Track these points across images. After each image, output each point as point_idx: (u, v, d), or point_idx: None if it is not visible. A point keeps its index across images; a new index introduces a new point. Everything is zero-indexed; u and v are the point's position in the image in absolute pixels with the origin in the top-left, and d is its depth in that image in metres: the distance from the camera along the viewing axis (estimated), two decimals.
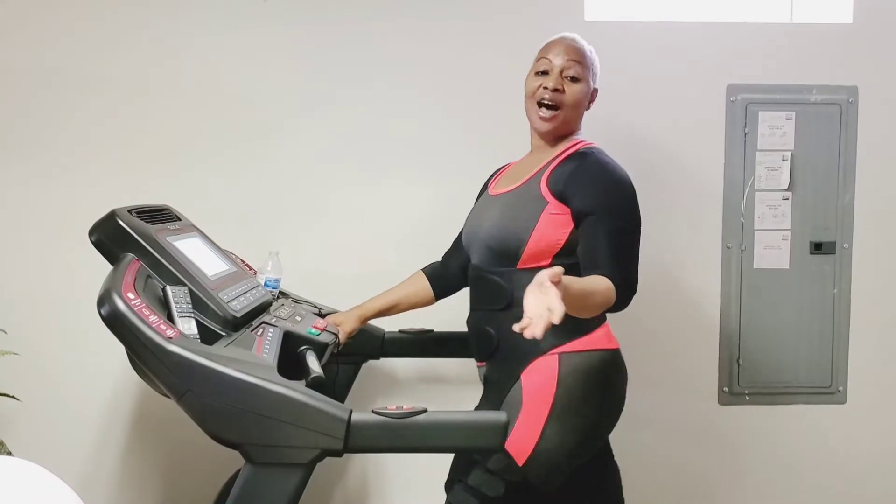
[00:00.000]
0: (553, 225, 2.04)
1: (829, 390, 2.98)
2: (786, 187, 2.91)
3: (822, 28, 2.91)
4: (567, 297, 1.63)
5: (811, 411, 2.99)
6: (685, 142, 2.90)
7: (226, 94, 2.81)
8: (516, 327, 1.61)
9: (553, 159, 2.13)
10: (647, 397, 2.93)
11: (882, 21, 2.91)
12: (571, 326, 1.87)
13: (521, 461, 1.99)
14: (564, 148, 2.16)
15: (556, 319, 1.56)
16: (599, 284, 1.90)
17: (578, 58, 2.16)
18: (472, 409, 2.28)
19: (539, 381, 2.01)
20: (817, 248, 2.94)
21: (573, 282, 1.76)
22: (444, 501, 2.16)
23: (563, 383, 2.01)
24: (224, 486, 2.47)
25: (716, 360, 2.96)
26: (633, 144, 2.87)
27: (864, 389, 2.98)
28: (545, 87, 2.14)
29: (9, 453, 2.48)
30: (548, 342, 2.01)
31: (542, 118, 2.15)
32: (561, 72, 2.15)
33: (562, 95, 2.14)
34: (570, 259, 2.03)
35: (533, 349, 2.02)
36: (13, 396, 2.58)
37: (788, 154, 2.91)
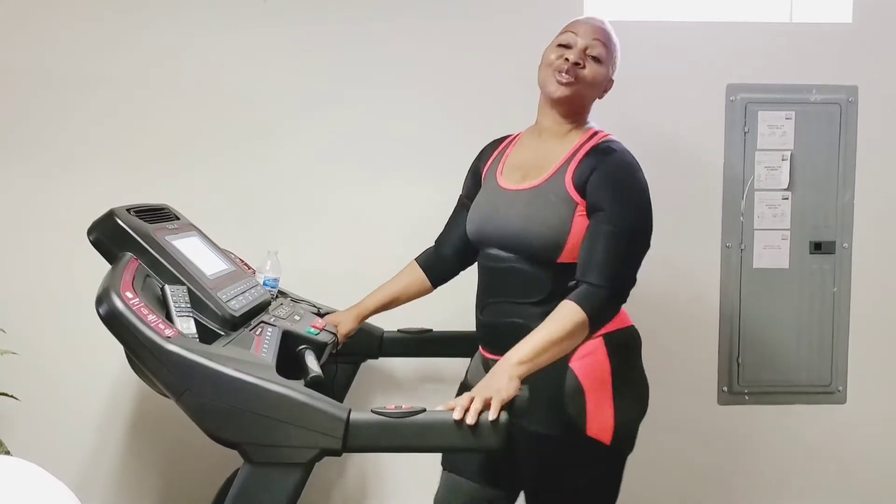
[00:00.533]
0: (585, 225, 2.01)
1: (828, 390, 2.98)
2: (785, 187, 2.91)
3: (822, 28, 2.91)
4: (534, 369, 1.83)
5: (811, 411, 2.99)
6: (685, 141, 2.90)
7: (225, 93, 2.82)
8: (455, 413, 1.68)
9: (574, 153, 2.06)
10: None
11: (882, 20, 2.91)
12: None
13: (608, 440, 2.02)
14: (583, 139, 2.09)
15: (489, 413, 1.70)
16: (558, 326, 1.89)
17: (605, 40, 2.10)
18: None
19: (593, 364, 2.02)
20: (817, 247, 2.94)
21: (534, 358, 1.83)
22: None
23: (613, 360, 2.04)
24: (223, 485, 2.47)
25: (715, 359, 2.96)
26: (632, 144, 2.83)
27: (863, 389, 2.98)
28: (566, 59, 2.06)
29: (7, 452, 2.48)
30: None
31: (559, 82, 2.06)
32: (585, 49, 2.07)
33: (582, 71, 2.06)
34: None
35: None
36: (12, 396, 2.58)
37: (788, 154, 2.91)
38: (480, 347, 2.21)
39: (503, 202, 2.10)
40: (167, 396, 1.75)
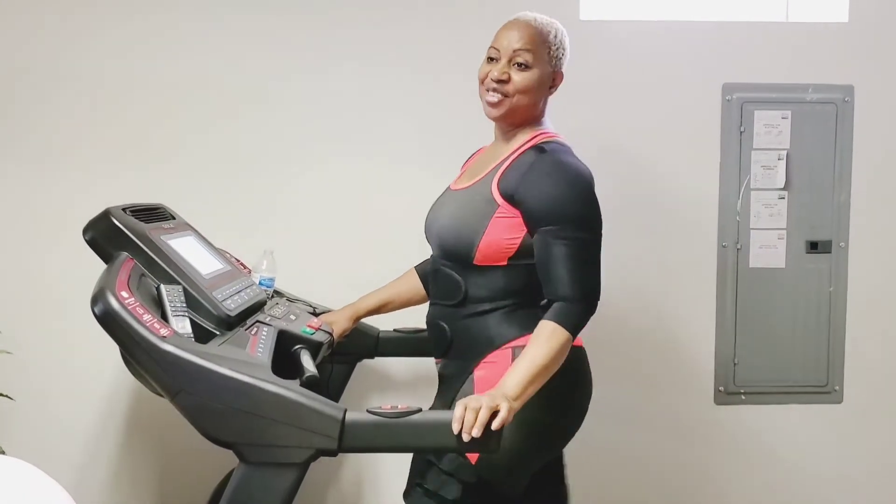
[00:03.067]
0: (504, 229, 1.98)
1: (825, 389, 2.98)
2: (782, 186, 2.91)
3: (818, 27, 2.91)
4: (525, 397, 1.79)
5: (807, 410, 2.99)
6: (681, 141, 2.90)
7: (222, 93, 2.81)
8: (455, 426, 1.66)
9: (508, 156, 2.04)
10: (642, 396, 2.93)
11: (878, 20, 2.91)
12: (528, 318, 1.95)
13: (473, 459, 1.94)
14: (522, 142, 2.06)
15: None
16: (542, 351, 1.84)
17: (528, 44, 2.03)
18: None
19: (491, 376, 1.93)
20: (813, 247, 2.94)
21: (525, 388, 1.79)
22: None
23: None
24: (218, 485, 2.47)
25: (712, 359, 2.96)
26: (628, 144, 2.87)
27: (860, 389, 2.98)
28: (491, 79, 2.05)
29: (2, 452, 2.48)
30: (502, 336, 1.99)
31: (488, 103, 2.06)
32: (510, 59, 2.04)
33: (506, 86, 2.03)
34: (527, 260, 1.98)
35: (487, 344, 2.00)
36: (6, 396, 2.57)
37: (784, 153, 2.91)
38: None
39: (446, 201, 2.16)
40: (162, 396, 1.75)
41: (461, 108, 2.79)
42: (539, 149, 2.01)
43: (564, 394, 2.00)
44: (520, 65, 2.04)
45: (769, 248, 2.93)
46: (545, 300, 1.96)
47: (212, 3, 2.80)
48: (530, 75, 2.04)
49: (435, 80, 2.84)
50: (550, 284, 1.93)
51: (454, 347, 2.08)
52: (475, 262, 2.01)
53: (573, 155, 2.04)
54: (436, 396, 2.21)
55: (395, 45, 2.83)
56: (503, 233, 1.98)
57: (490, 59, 2.08)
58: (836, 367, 2.97)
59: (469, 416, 1.66)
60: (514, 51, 2.03)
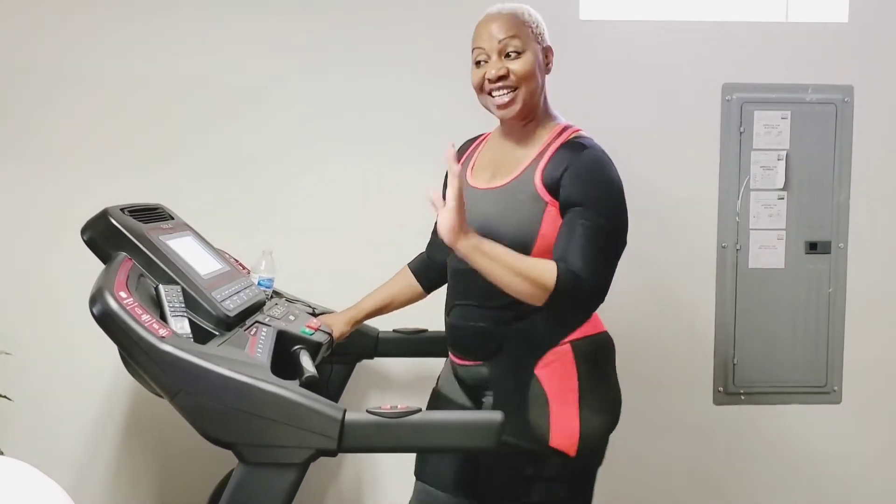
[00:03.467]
0: (556, 224, 1.95)
1: (824, 390, 2.98)
2: (781, 187, 2.91)
3: (818, 27, 2.91)
4: (492, 254, 1.85)
5: (806, 411, 2.99)
6: (680, 141, 2.90)
7: (221, 93, 2.81)
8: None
9: (544, 150, 2.00)
10: (641, 396, 2.91)
11: (877, 20, 2.91)
12: (573, 318, 1.99)
13: (573, 452, 1.96)
14: (552, 136, 2.03)
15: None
16: (537, 262, 1.87)
17: (511, 29, 1.99)
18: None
19: (559, 372, 1.97)
20: (812, 247, 2.94)
21: (487, 253, 1.86)
22: None
23: (581, 368, 1.99)
24: (217, 486, 2.46)
25: (711, 359, 2.96)
26: (627, 143, 2.86)
27: (859, 389, 2.98)
28: (489, 79, 2.00)
29: (0, 453, 2.47)
30: (557, 334, 1.99)
31: (499, 105, 2.00)
32: (500, 53, 1.99)
33: (508, 80, 1.98)
34: None
35: (544, 343, 1.99)
36: (5, 396, 2.57)
37: (784, 153, 2.91)
38: (450, 352, 2.18)
39: (471, 201, 1.99)
40: (161, 396, 1.74)
41: (461, 108, 2.79)
42: (577, 145, 1.98)
43: (610, 365, 2.11)
44: (512, 53, 1.99)
45: (768, 249, 2.93)
46: None
47: (212, 3, 2.80)
48: (526, 59, 1.99)
49: (435, 80, 2.83)
50: (559, 251, 1.89)
51: (504, 350, 2.03)
52: None
53: (606, 153, 2.02)
54: (465, 398, 2.15)
55: (395, 45, 2.83)
56: (555, 229, 1.94)
57: (478, 63, 2.03)
58: (834, 367, 2.97)
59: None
60: (500, 42, 1.99)
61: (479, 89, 2.04)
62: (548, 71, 2.07)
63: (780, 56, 2.91)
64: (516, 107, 2.00)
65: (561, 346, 2.00)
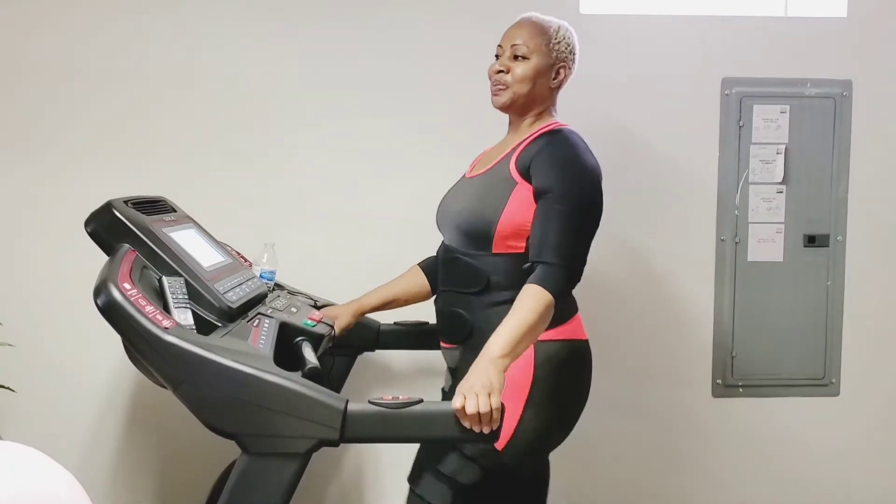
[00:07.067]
0: (523, 205, 2.04)
1: (822, 382, 2.99)
2: (780, 180, 2.92)
3: (817, 22, 2.92)
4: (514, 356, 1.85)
5: (804, 403, 3.00)
6: (680, 135, 2.91)
7: (225, 88, 2.81)
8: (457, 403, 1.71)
9: (523, 140, 2.15)
10: (640, 389, 2.94)
11: (876, 15, 2.92)
12: (557, 310, 1.98)
13: (500, 446, 1.98)
14: (536, 130, 2.16)
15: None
16: (528, 311, 1.90)
17: (526, 37, 2.16)
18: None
19: (516, 367, 1.96)
20: (811, 240, 2.95)
21: (513, 347, 1.85)
22: (407, 496, 2.10)
23: (539, 370, 2.03)
24: (220, 475, 2.48)
25: (709, 352, 2.97)
26: (627, 137, 2.88)
27: (857, 382, 3.00)
28: (492, 72, 2.19)
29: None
30: None
31: (492, 94, 2.19)
32: (510, 54, 2.17)
33: (505, 76, 2.16)
34: None
35: None
36: (8, 388, 2.58)
37: (783, 147, 2.92)
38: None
39: (462, 189, 2.23)
40: (165, 387, 1.76)
41: (461, 108, 2.81)
42: (553, 132, 2.13)
43: (576, 376, 2.12)
44: (518, 57, 2.16)
45: (767, 242, 2.94)
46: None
47: (212, 3, 2.80)
48: (527, 65, 2.15)
49: (435, 79, 2.84)
50: (536, 247, 1.99)
51: (475, 335, 2.09)
52: (495, 250, 2.07)
53: (582, 139, 2.13)
54: (448, 381, 2.24)
55: (395, 45, 2.84)
56: (522, 208, 2.04)
57: (496, 57, 2.21)
58: (833, 360, 2.99)
59: (471, 404, 1.70)
60: (513, 45, 2.17)
61: (489, 78, 2.22)
62: (556, 85, 2.20)
63: (779, 50, 2.91)
64: (500, 100, 2.18)
65: None
